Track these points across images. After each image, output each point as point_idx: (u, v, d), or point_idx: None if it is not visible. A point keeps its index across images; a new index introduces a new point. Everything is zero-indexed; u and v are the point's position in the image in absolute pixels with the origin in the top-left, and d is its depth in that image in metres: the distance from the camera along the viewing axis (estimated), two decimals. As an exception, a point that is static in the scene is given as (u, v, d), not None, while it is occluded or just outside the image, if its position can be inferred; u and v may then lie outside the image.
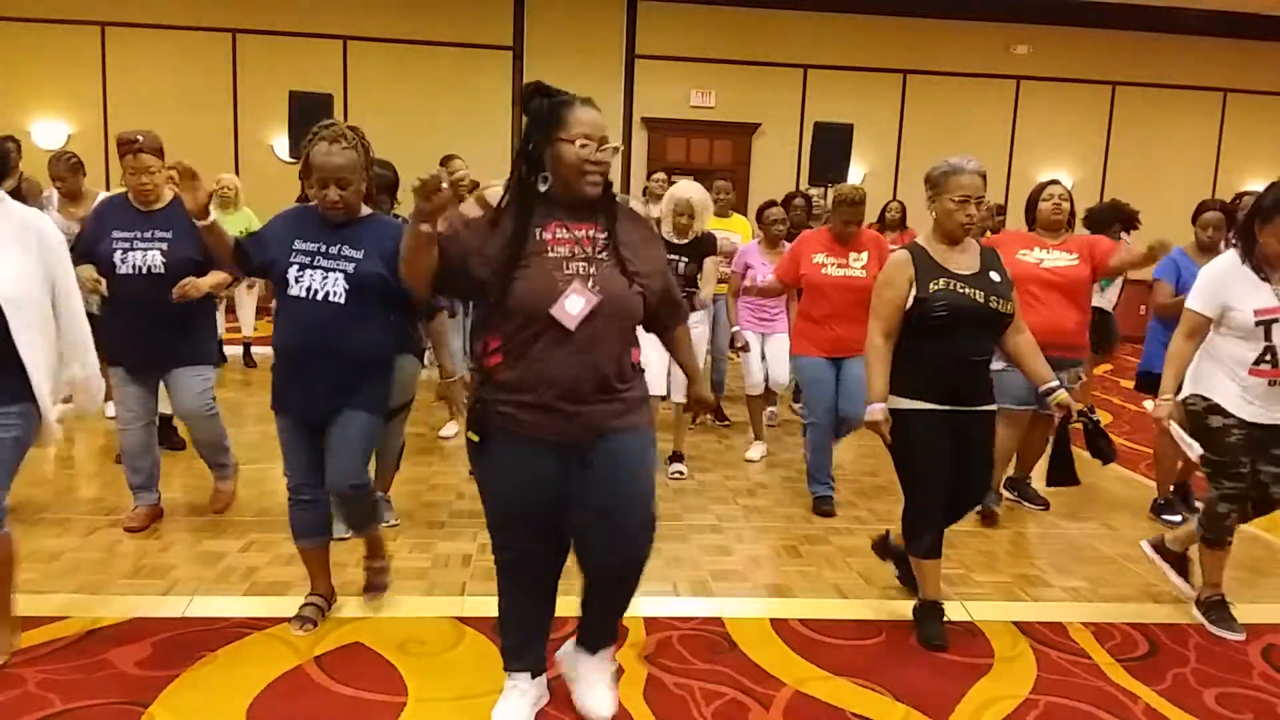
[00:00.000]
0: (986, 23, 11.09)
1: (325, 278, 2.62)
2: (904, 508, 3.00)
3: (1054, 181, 4.22)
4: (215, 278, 3.51)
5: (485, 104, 10.64)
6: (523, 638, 2.39)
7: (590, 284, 2.06)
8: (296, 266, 2.62)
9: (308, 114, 8.45)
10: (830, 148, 8.88)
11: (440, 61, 10.63)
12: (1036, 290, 3.95)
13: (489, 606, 3.06)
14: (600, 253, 2.11)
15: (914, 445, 2.87)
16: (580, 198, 2.09)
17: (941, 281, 2.84)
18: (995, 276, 2.92)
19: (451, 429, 5.35)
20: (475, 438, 2.15)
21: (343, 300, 2.61)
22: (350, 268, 2.63)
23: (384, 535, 3.16)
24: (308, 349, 2.65)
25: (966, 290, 2.84)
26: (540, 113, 2.06)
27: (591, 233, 2.12)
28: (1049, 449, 3.29)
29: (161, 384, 3.67)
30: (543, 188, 2.08)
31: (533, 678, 2.40)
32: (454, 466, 4.74)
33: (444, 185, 1.96)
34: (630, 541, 2.21)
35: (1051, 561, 3.77)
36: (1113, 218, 5.50)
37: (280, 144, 9.88)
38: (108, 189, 7.94)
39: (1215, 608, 3.16)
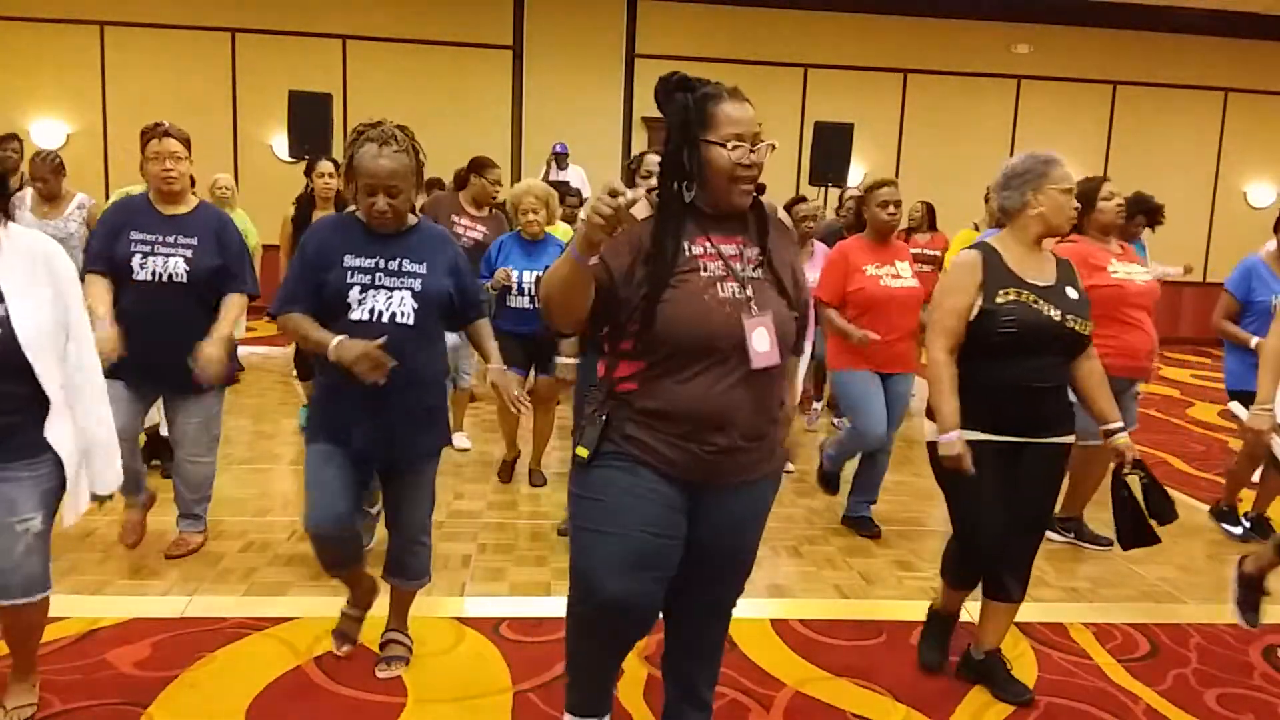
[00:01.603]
0: (987, 22, 11.09)
1: (390, 297, 2.40)
2: (950, 540, 2.73)
3: (1106, 179, 3.75)
4: (230, 319, 3.24)
5: (485, 103, 10.64)
6: (596, 694, 2.12)
7: (751, 309, 1.84)
8: (358, 288, 2.39)
9: (307, 114, 8.50)
10: (831, 147, 8.88)
11: (440, 61, 10.63)
12: (1130, 312, 3.58)
13: (489, 607, 3.09)
14: (755, 270, 1.89)
15: (962, 482, 2.48)
16: (729, 208, 1.88)
17: (1013, 292, 2.47)
18: (1072, 293, 2.55)
19: (464, 442, 5.14)
20: (584, 453, 1.90)
21: (411, 321, 2.41)
22: (417, 284, 2.42)
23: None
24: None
25: (1040, 305, 2.47)
26: (685, 111, 1.81)
27: (742, 248, 1.89)
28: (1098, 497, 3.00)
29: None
30: (687, 197, 1.84)
31: None
32: (452, 466, 4.73)
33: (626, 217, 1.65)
34: (733, 584, 2.11)
35: (1052, 562, 3.76)
36: (1135, 210, 5.42)
37: (279, 144, 9.88)
38: (106, 189, 7.95)
39: (1251, 590, 2.97)
